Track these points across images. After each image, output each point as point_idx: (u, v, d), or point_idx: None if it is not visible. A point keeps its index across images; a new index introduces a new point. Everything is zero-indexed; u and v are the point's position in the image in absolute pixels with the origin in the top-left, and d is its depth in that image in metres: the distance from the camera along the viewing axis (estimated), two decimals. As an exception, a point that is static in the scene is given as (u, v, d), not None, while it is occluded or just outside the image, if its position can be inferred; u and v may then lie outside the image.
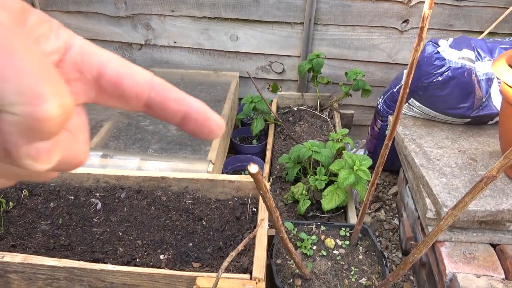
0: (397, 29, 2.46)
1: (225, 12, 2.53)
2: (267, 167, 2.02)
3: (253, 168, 0.70)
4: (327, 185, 1.71)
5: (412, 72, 0.93)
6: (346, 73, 2.32)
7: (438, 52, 1.84)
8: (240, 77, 2.67)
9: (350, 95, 2.41)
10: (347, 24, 2.49)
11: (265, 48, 2.63)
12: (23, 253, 1.11)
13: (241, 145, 2.26)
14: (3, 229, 1.28)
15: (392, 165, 2.31)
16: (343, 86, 2.34)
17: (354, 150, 2.28)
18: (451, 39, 1.92)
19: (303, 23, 2.51)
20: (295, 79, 2.73)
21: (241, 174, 2.17)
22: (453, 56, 1.82)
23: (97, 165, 1.57)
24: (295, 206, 1.79)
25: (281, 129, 2.35)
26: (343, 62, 2.62)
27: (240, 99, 2.61)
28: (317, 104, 2.51)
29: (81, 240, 1.25)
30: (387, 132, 2.28)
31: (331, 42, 2.56)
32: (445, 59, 1.81)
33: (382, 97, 2.28)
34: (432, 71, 1.83)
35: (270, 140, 2.22)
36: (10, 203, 1.39)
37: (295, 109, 2.53)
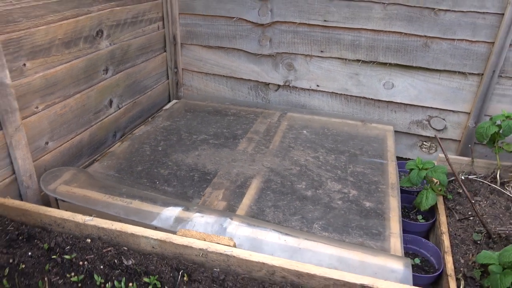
0: None
1: (384, 56, 2.18)
2: (450, 260, 1.55)
3: None
4: None
5: None
6: (549, 144, 1.80)
7: None
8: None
9: (548, 171, 1.87)
10: (543, 79, 1.98)
11: (425, 100, 2.21)
12: None
13: (406, 222, 1.82)
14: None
15: None
16: (544, 160, 1.81)
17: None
18: None
19: (483, 74, 2.05)
20: (457, 139, 2.25)
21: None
22: None
23: (262, 242, 1.25)
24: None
25: (453, 204, 1.87)
26: (529, 125, 2.08)
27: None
28: (494, 175, 2.00)
29: None
30: None
31: (516, 100, 2.06)
32: None
33: None
34: None
35: (443, 219, 1.76)
36: (166, 287, 1.11)
37: (463, 177, 2.04)
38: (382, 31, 2.13)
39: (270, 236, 1.30)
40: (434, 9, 2.01)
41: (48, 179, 1.56)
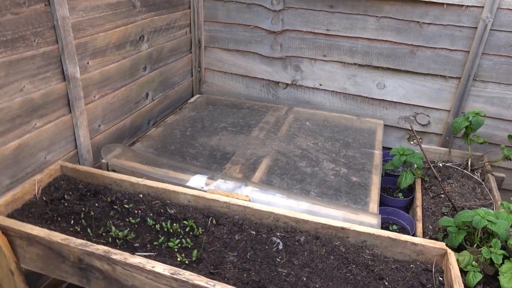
0: None
1: (377, 60, 2.56)
2: (420, 225, 1.94)
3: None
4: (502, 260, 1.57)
5: None
6: (510, 136, 2.17)
7: None
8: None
9: (510, 159, 2.24)
10: (510, 83, 2.34)
11: (412, 98, 2.59)
12: (224, 283, 1.20)
13: (388, 197, 2.21)
14: (200, 253, 1.39)
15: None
16: (505, 149, 2.18)
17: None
18: None
19: (460, 78, 2.42)
20: (439, 132, 2.62)
21: (388, 228, 2.12)
22: None
23: (269, 202, 1.65)
24: (457, 275, 1.68)
25: (429, 185, 2.25)
26: (499, 122, 2.45)
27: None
28: (467, 163, 2.37)
29: (270, 279, 1.31)
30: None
31: (488, 100, 2.43)
32: None
33: (552, 167, 2.07)
34: None
35: (418, 195, 2.14)
36: (200, 229, 1.51)
37: (441, 165, 2.42)
38: (375, 39, 2.51)
39: (276, 198, 1.71)
40: (419, 22, 2.39)
41: (105, 152, 1.99)
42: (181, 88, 2.87)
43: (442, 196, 2.15)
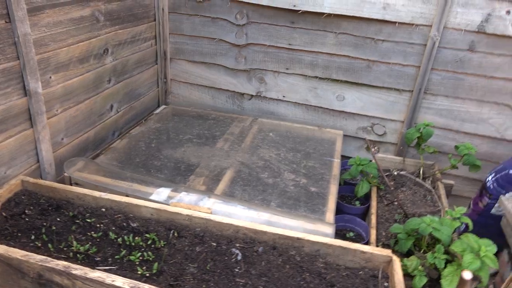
0: (510, 106, 2.46)
1: (336, 74, 2.69)
2: (373, 232, 2.06)
3: (467, 274, 0.78)
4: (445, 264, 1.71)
5: None
6: (456, 147, 2.34)
7: None
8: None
9: (457, 168, 2.41)
10: (457, 96, 2.53)
11: (369, 110, 2.73)
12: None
13: (346, 205, 2.33)
14: (161, 265, 1.44)
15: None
16: (452, 159, 2.35)
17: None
18: None
19: (412, 91, 2.59)
20: (395, 142, 2.78)
21: (345, 235, 2.23)
22: None
23: (231, 214, 1.72)
24: (405, 279, 1.80)
25: (384, 193, 2.39)
26: (447, 132, 2.64)
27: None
28: (419, 171, 2.53)
29: (228, 289, 1.37)
30: (494, 211, 2.23)
31: (437, 112, 2.60)
32: None
33: (493, 174, 2.26)
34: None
35: (374, 203, 2.27)
36: (162, 241, 1.56)
37: (395, 173, 2.57)
38: (334, 54, 2.64)
39: (237, 209, 1.78)
40: (374, 38, 2.53)
41: (68, 166, 1.99)
42: (146, 99, 2.89)
43: (396, 203, 2.29)
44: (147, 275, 1.39)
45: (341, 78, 2.70)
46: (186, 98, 3.07)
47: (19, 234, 1.55)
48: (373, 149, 2.79)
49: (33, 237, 1.54)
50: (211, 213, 1.67)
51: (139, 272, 1.39)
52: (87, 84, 2.21)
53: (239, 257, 1.51)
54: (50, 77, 1.93)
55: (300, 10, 2.55)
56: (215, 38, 2.81)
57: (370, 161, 2.36)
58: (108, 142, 2.49)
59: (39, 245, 1.50)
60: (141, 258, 1.48)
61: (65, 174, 1.97)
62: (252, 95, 2.92)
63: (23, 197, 1.72)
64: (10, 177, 1.79)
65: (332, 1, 2.48)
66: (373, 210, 2.22)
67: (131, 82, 2.65)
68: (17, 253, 1.34)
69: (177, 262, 1.48)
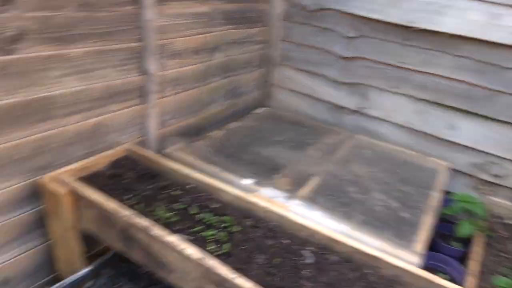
0: None
1: (449, 100, 2.46)
2: (471, 281, 1.78)
3: None
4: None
5: None
6: None
7: None
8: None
9: None
10: None
11: (486, 146, 2.41)
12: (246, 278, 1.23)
13: (442, 245, 2.07)
14: (231, 248, 1.45)
15: None
16: None
17: None
18: None
19: (541, 130, 2.23)
20: (512, 187, 2.41)
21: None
22: None
23: (309, 218, 1.66)
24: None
25: (493, 241, 2.07)
26: None
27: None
28: (538, 223, 2.15)
29: (292, 288, 1.31)
30: None
31: None
32: None
33: None
34: None
35: (477, 249, 1.98)
36: (236, 227, 1.57)
37: (509, 222, 2.22)
38: (449, 78, 2.41)
39: (316, 215, 1.71)
40: (500, 65, 2.25)
41: (169, 143, 2.17)
42: (248, 98, 3.00)
43: (504, 255, 1.97)
44: (217, 253, 1.41)
45: (454, 105, 2.45)
46: (286, 103, 3.12)
47: (116, 192, 1.71)
48: (485, 189, 2.46)
49: (127, 196, 1.69)
50: (288, 211, 1.63)
51: (208, 248, 1.41)
52: (197, 74, 2.38)
53: (309, 260, 1.44)
54: (166, 62, 2.13)
55: (415, 27, 2.40)
56: (323, 48, 2.81)
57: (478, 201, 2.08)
58: (207, 132, 2.64)
59: (130, 204, 1.64)
60: (214, 237, 1.51)
61: (165, 150, 2.13)
62: (352, 110, 2.83)
63: (126, 162, 1.91)
64: (120, 143, 2.01)
65: (454, 21, 2.29)
66: (476, 256, 1.94)
67: (236, 80, 2.78)
68: (110, 205, 1.48)
69: (247, 250, 1.48)
